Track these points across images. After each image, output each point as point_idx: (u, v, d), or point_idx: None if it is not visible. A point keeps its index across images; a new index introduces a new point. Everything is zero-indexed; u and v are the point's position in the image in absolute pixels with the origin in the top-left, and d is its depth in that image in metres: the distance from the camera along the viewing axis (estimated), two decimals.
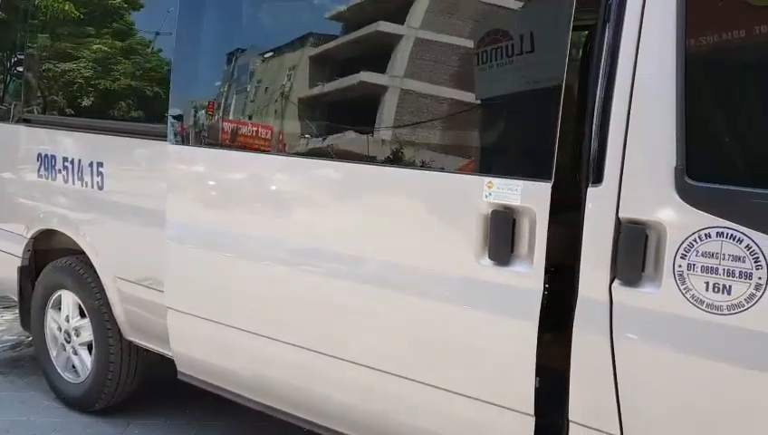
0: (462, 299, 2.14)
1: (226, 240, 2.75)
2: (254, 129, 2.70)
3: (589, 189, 1.90)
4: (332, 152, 2.47)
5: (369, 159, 2.36)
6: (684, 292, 1.75)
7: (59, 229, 3.57)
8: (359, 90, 2.42)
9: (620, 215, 1.84)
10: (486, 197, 2.03)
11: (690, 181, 1.74)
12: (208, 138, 2.85)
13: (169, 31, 3.04)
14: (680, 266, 1.76)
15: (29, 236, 3.72)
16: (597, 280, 1.89)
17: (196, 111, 2.88)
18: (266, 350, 2.64)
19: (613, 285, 1.87)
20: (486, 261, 2.06)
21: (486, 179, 2.03)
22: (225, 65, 2.89)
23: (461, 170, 2.17)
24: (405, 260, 2.27)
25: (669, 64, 1.75)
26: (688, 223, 1.74)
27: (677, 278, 1.76)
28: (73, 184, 3.45)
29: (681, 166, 1.75)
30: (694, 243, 1.73)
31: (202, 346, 2.93)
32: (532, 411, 2.02)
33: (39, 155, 3.63)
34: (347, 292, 2.41)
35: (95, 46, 3.50)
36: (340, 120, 2.52)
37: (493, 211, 2.03)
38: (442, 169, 2.20)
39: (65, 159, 3.47)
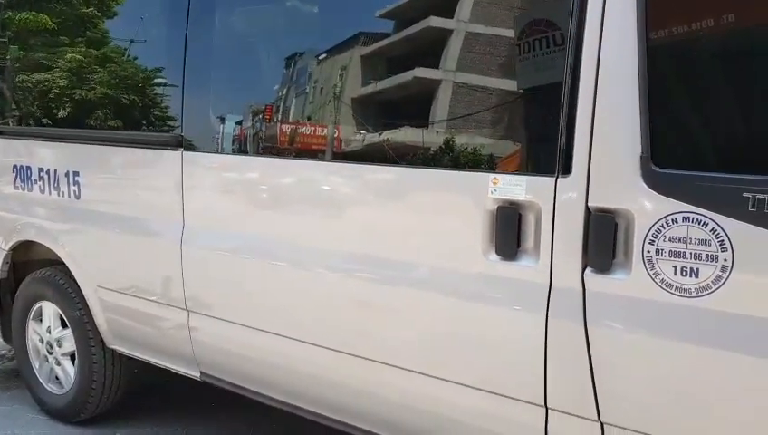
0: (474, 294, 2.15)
1: (244, 243, 2.73)
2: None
3: (558, 180, 1.94)
4: (342, 155, 2.50)
5: (378, 160, 2.39)
6: (653, 276, 1.80)
7: (37, 240, 3.56)
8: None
9: (590, 204, 1.88)
10: (492, 193, 2.05)
11: (656, 169, 1.78)
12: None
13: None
14: (649, 252, 1.80)
15: (7, 248, 3.71)
16: (569, 269, 1.93)
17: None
18: (287, 349, 2.61)
19: (585, 273, 1.91)
20: (494, 256, 2.07)
21: (492, 176, 2.05)
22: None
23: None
24: (418, 258, 2.27)
25: (631, 55, 1.80)
26: (655, 209, 1.78)
27: (647, 264, 1.80)
28: (50, 194, 3.44)
29: (646, 154, 1.79)
30: (661, 228, 1.78)
31: (224, 348, 2.89)
32: (542, 402, 2.02)
33: (14, 166, 3.62)
34: (361, 290, 2.41)
35: (68, 56, 3.49)
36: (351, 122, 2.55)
37: (499, 207, 2.05)
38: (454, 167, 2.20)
39: (41, 170, 3.46)
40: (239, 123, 2.85)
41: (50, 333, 3.62)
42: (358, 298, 2.42)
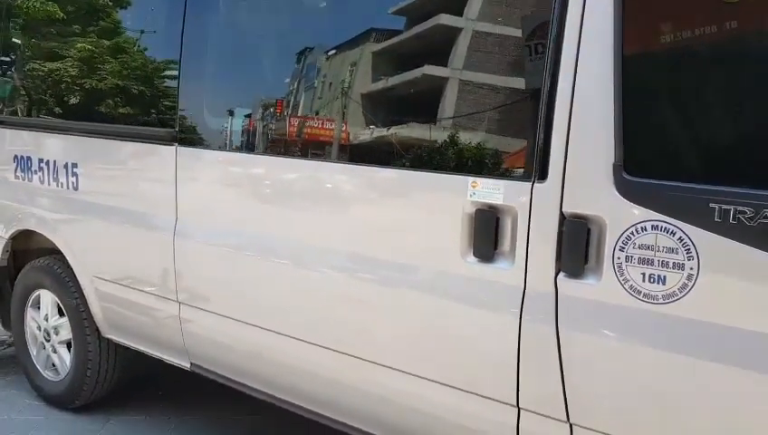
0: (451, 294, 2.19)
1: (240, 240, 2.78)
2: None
3: (534, 186, 1.98)
4: (329, 153, 2.56)
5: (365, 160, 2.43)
6: (623, 282, 1.84)
7: (36, 230, 3.63)
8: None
9: (564, 210, 1.92)
10: (471, 196, 2.09)
11: (627, 177, 1.82)
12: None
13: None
14: (619, 259, 1.84)
15: (7, 236, 3.78)
16: (543, 272, 1.97)
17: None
18: (270, 342, 2.66)
19: (558, 277, 1.95)
20: (472, 258, 2.11)
21: (471, 179, 2.08)
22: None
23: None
24: (399, 258, 2.31)
25: (608, 66, 1.83)
26: (626, 217, 1.82)
27: (617, 270, 1.84)
28: (49, 185, 3.50)
29: (619, 163, 1.83)
30: (631, 236, 1.82)
31: (213, 340, 2.95)
32: (515, 402, 2.06)
33: (15, 156, 3.69)
34: (343, 286, 2.45)
35: (78, 45, 3.51)
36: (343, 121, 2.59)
37: (477, 210, 2.08)
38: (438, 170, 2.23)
39: (41, 161, 3.53)
40: (230, 120, 2.90)
41: (47, 320, 3.69)
42: (340, 295, 2.47)
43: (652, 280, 1.79)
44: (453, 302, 2.19)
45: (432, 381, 2.25)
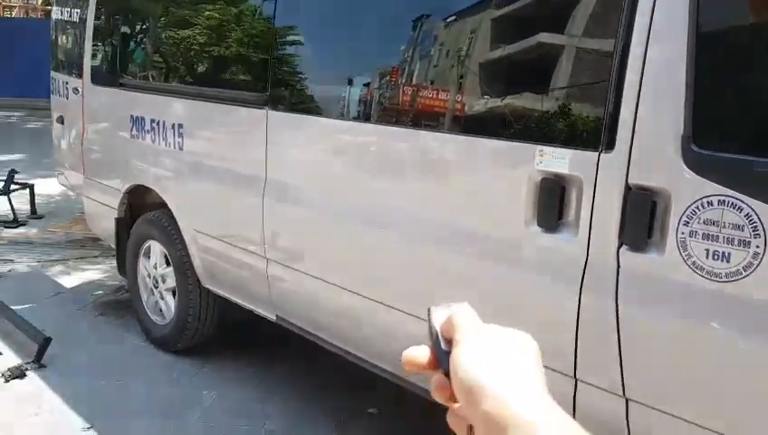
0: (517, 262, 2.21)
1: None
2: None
3: (601, 156, 1.94)
4: (400, 119, 2.62)
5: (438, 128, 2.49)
6: (686, 258, 1.78)
7: (148, 185, 3.93)
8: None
9: (630, 181, 1.88)
10: (538, 165, 2.07)
11: (696, 149, 1.75)
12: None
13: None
14: (683, 233, 1.78)
15: (123, 190, 4.11)
16: (606, 245, 1.94)
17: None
18: (353, 303, 2.76)
19: (621, 250, 1.91)
20: (535, 227, 2.10)
21: (538, 148, 2.07)
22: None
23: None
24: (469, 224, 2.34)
25: (681, 35, 1.76)
26: (692, 190, 1.76)
27: (680, 245, 1.79)
28: (159, 144, 3.77)
29: (688, 134, 1.76)
30: (697, 210, 1.75)
31: (296, 295, 3.14)
32: (572, 374, 2.05)
33: (131, 117, 3.99)
34: (416, 249, 2.52)
35: (206, 13, 3.69)
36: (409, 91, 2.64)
37: (542, 179, 2.07)
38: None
39: (152, 121, 3.80)
40: (319, 86, 3.00)
41: (156, 269, 4.01)
42: (414, 259, 2.53)
43: (716, 257, 1.73)
44: (517, 270, 2.20)
45: None
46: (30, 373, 3.63)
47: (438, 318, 0.63)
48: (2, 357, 3.79)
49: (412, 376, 2.62)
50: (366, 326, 2.77)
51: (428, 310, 0.64)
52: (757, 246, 1.66)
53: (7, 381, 3.55)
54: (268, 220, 3.10)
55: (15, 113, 15.44)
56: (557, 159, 2.03)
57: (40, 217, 6.85)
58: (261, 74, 3.18)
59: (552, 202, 2.05)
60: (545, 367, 0.58)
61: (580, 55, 2.10)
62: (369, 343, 2.80)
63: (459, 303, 0.64)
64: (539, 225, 2.10)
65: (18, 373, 3.60)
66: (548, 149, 2.05)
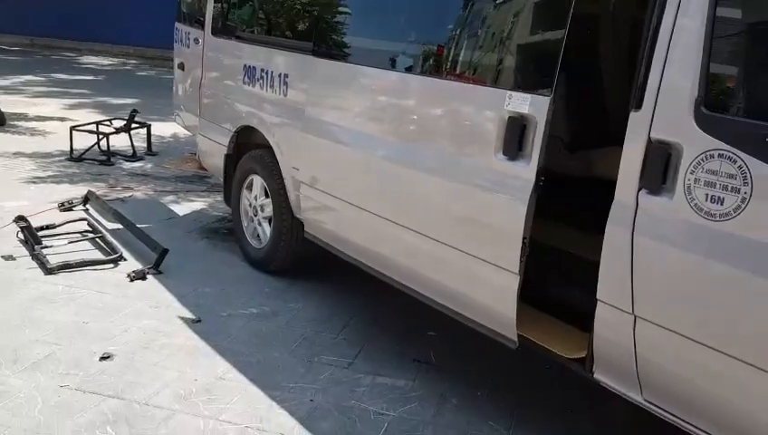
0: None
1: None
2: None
3: (631, 114, 2.33)
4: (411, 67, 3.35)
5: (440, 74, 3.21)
6: (689, 201, 2.17)
7: (255, 127, 4.52)
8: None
9: (651, 135, 2.27)
10: (507, 106, 2.64)
11: (705, 111, 2.13)
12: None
13: None
14: (689, 180, 2.17)
15: (233, 130, 4.73)
16: (628, 188, 2.35)
17: None
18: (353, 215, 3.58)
19: (640, 193, 2.31)
20: (500, 156, 2.72)
21: (508, 92, 2.65)
22: None
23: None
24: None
25: (701, 16, 2.13)
26: (699, 145, 2.14)
27: (686, 190, 2.18)
28: (267, 91, 4.34)
29: (700, 98, 2.14)
30: (701, 161, 2.14)
31: (320, 214, 3.88)
32: (517, 271, 2.68)
33: (245, 66, 4.58)
34: (405, 175, 3.23)
35: None
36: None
37: (509, 117, 2.63)
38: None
39: (262, 70, 4.37)
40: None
41: (256, 200, 4.62)
42: (402, 181, 3.23)
43: (713, 200, 2.11)
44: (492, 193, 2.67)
45: (467, 253, 2.93)
46: (149, 277, 4.34)
47: None
48: (127, 263, 4.53)
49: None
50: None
51: None
52: (745, 193, 2.03)
53: (132, 280, 4.27)
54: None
55: (130, 61, 16.64)
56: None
57: (154, 154, 7.67)
58: (310, 30, 3.96)
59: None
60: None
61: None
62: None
63: None
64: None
65: (141, 275, 4.32)
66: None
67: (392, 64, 3.46)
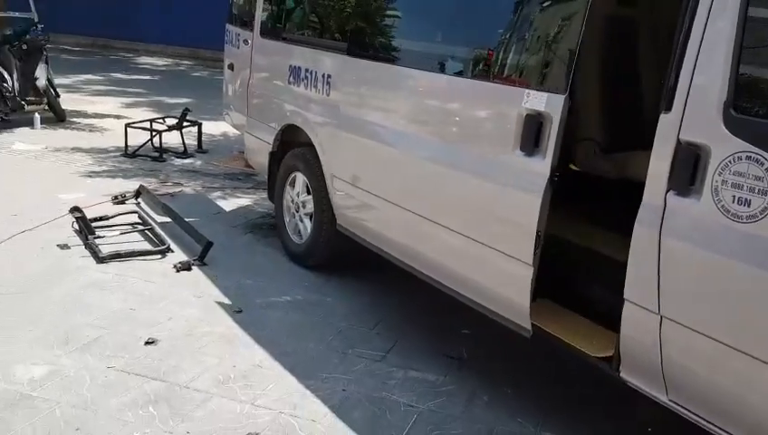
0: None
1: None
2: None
3: (661, 116, 2.36)
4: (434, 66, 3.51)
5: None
6: (716, 202, 2.19)
7: (299, 125, 4.65)
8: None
9: (680, 137, 2.30)
10: (525, 103, 2.76)
11: (733, 113, 2.15)
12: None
13: None
14: (716, 182, 2.19)
15: (278, 129, 4.87)
16: (657, 189, 2.37)
17: None
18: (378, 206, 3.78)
19: (668, 193, 2.34)
20: (518, 152, 2.85)
21: (526, 90, 2.78)
22: None
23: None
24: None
25: (731, 21, 2.15)
26: (728, 147, 2.16)
27: (714, 191, 2.20)
28: (311, 91, 4.47)
29: (729, 101, 2.16)
30: (729, 163, 2.16)
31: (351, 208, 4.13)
32: (531, 262, 2.79)
33: (290, 66, 4.71)
34: (428, 168, 3.40)
35: None
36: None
37: (527, 114, 2.74)
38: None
39: (307, 70, 4.50)
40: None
41: (298, 196, 4.75)
42: (424, 174, 3.38)
43: (740, 202, 2.13)
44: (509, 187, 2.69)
45: (485, 245, 3.07)
46: (194, 268, 4.51)
47: None
48: (174, 254, 4.71)
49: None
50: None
51: None
52: None
53: (178, 271, 4.45)
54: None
55: (184, 61, 17.09)
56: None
57: (204, 152, 7.91)
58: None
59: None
60: None
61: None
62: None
63: None
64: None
65: (186, 266, 4.49)
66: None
67: (421, 64, 3.60)
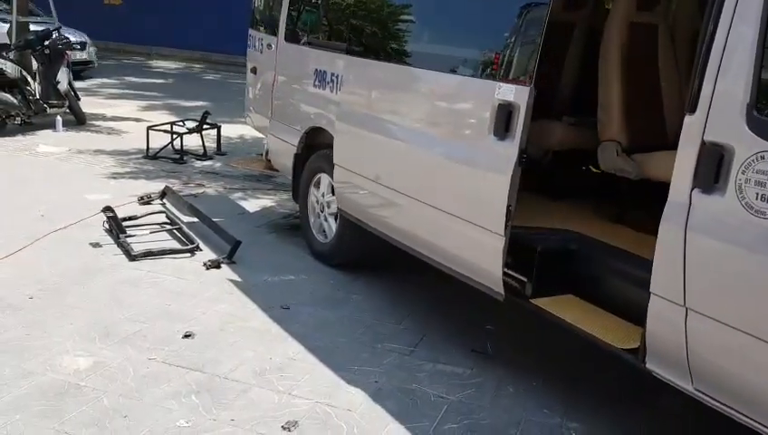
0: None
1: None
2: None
3: (686, 117, 2.49)
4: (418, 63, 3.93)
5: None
6: (740, 199, 2.31)
7: (324, 127, 4.78)
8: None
9: (705, 138, 2.42)
10: (497, 95, 3.16)
11: (756, 114, 2.27)
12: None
13: None
14: (740, 180, 2.31)
15: (303, 131, 5.01)
16: (682, 187, 2.50)
17: None
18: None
19: (693, 191, 2.46)
20: (492, 137, 3.19)
21: (497, 84, 3.19)
22: None
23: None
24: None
25: (755, 25, 2.28)
26: (751, 147, 2.28)
27: (737, 189, 2.32)
28: (335, 94, 4.60)
29: (751, 102, 2.28)
30: (752, 162, 2.28)
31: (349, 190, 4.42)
32: (502, 232, 3.14)
33: (315, 70, 4.85)
34: (413, 153, 3.80)
35: None
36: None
37: (499, 104, 3.10)
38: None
39: (332, 74, 4.63)
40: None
41: (323, 197, 4.88)
42: (410, 159, 3.79)
43: (763, 199, 2.25)
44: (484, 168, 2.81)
45: (461, 218, 3.43)
46: (224, 266, 4.65)
47: None
48: (202, 252, 4.85)
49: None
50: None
51: None
52: None
53: (208, 269, 4.59)
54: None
55: (196, 65, 17.28)
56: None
57: (223, 154, 8.06)
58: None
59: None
60: None
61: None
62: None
63: None
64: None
65: (215, 264, 4.63)
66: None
67: (410, 61, 4.03)
